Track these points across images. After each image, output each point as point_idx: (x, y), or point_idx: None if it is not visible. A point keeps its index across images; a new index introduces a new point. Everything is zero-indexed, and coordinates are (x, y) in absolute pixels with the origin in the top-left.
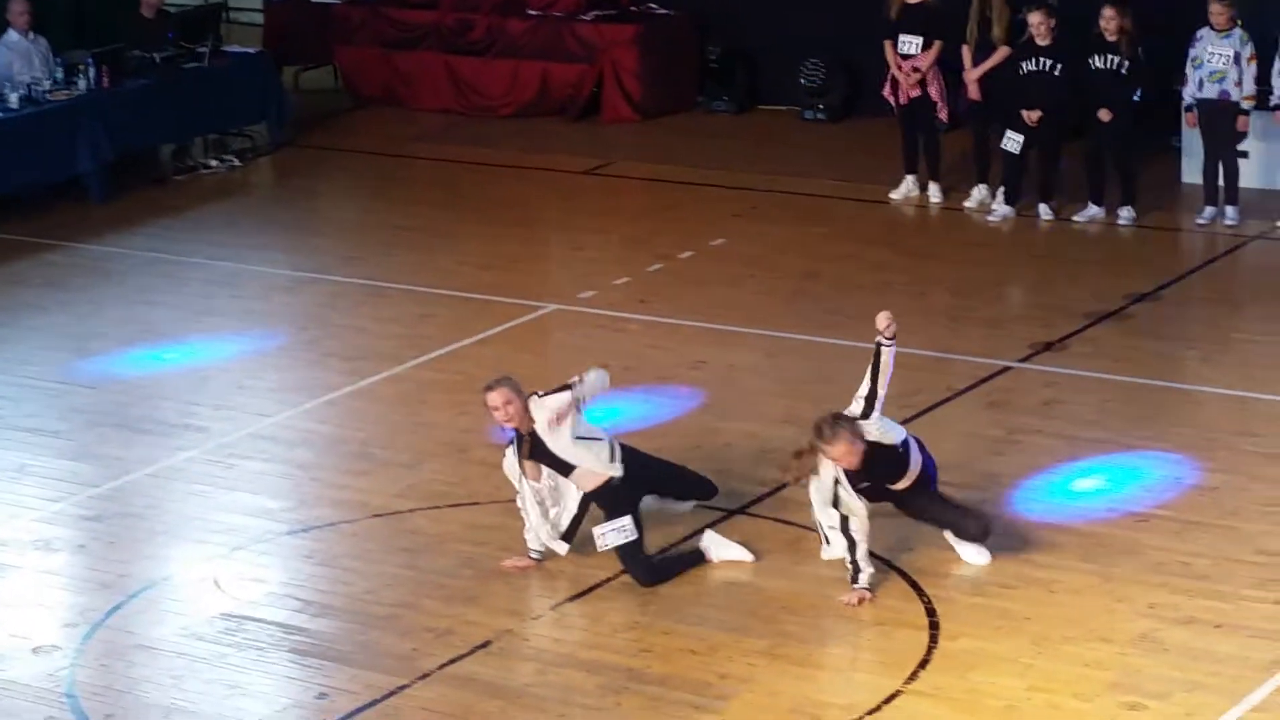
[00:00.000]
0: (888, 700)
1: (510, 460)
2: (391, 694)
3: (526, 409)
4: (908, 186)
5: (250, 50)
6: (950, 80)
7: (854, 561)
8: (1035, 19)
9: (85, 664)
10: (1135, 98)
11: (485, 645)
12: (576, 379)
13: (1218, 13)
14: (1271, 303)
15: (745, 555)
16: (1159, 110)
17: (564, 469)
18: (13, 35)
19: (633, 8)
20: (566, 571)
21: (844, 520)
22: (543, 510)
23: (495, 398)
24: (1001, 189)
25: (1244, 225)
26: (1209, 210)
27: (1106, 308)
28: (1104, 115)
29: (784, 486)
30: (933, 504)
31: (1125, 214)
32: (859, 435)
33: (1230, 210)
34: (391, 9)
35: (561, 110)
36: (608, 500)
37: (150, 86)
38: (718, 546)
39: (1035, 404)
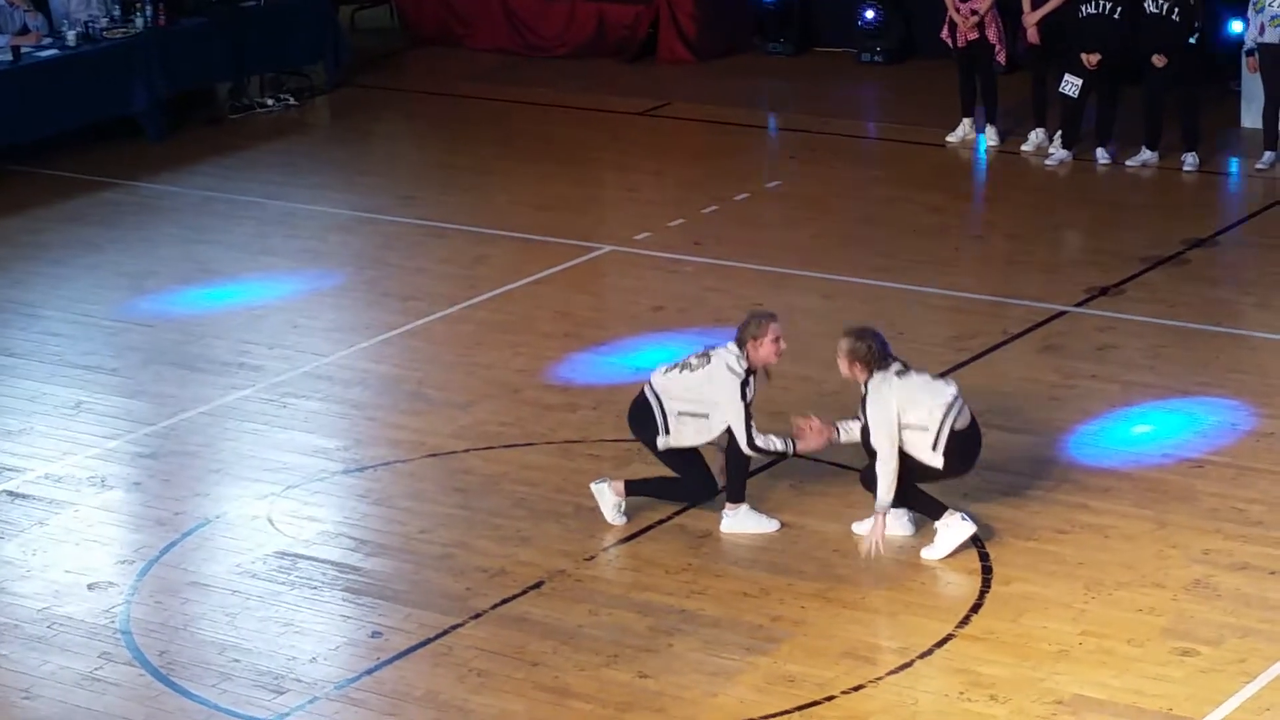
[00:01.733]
0: (940, 644)
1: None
2: (444, 633)
3: None
4: (964, 129)
5: None
6: (1008, 23)
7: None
8: None
9: (140, 601)
10: (1191, 40)
11: (538, 585)
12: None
13: None
14: None
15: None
16: (1216, 54)
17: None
18: None
19: None
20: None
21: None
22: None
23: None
24: (1059, 132)
25: None
26: (1268, 155)
27: (1163, 252)
28: (1158, 61)
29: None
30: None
31: (1190, 160)
32: (849, 359)
33: None
34: None
35: (617, 51)
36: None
37: (207, 25)
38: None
39: (1090, 349)
